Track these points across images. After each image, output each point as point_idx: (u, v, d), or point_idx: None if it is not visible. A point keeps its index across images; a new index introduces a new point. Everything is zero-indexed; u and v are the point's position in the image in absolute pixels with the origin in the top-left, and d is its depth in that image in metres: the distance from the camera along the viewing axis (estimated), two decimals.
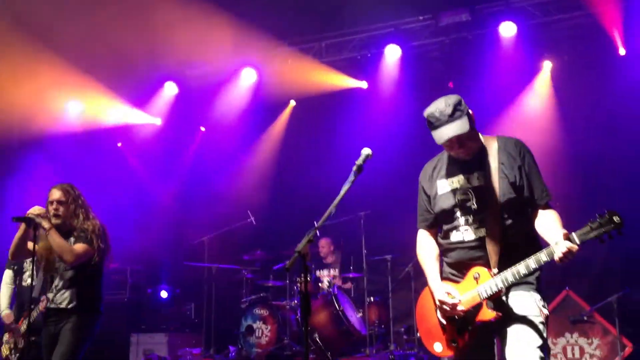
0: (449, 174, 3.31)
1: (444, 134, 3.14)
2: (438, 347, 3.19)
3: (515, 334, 2.99)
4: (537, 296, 3.07)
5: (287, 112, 9.27)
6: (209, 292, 7.89)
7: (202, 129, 9.42)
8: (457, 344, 3.10)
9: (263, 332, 7.00)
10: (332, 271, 7.47)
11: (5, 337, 5.78)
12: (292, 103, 9.24)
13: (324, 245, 7.84)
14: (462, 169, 3.26)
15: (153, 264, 8.53)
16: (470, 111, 3.21)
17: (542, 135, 7.25)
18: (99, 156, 9.54)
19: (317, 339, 6.85)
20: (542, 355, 2.95)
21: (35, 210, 4.56)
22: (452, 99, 3.20)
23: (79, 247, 4.54)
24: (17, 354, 5.45)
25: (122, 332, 7.59)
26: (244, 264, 7.84)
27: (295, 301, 7.24)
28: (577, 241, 2.85)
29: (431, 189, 3.38)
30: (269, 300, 7.30)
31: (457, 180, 3.27)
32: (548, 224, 3.08)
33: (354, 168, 3.60)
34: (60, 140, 9.42)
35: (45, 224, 4.51)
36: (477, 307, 3.05)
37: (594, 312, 6.39)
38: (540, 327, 2.99)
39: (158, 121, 9.58)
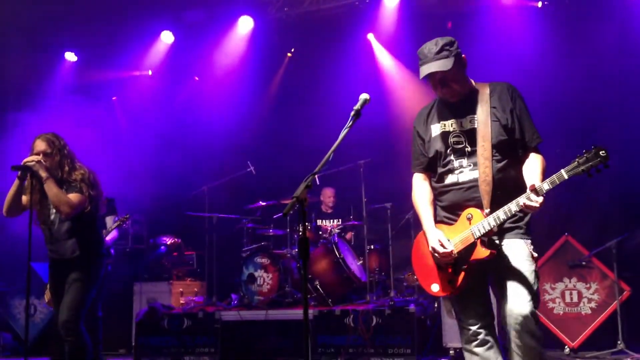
0: (443, 118, 3.41)
1: (424, 70, 3.27)
2: (435, 288, 3.34)
3: (512, 284, 3.12)
4: (528, 240, 3.22)
5: (285, 60, 9.13)
6: (210, 242, 7.93)
7: (196, 78, 9.29)
8: (454, 283, 3.23)
9: (264, 280, 7.06)
10: (335, 221, 7.48)
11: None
12: (291, 51, 9.10)
13: (330, 195, 7.82)
14: (455, 113, 3.36)
15: (154, 214, 8.55)
16: (462, 55, 3.30)
17: (541, 79, 7.15)
18: (94, 108, 9.48)
19: (318, 286, 6.92)
20: (533, 302, 3.11)
21: (31, 159, 4.52)
22: (444, 39, 3.29)
23: (74, 197, 4.52)
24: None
25: (125, 282, 7.66)
26: (245, 214, 7.87)
27: (296, 249, 7.28)
28: (544, 190, 2.97)
29: (425, 133, 3.48)
30: (270, 249, 7.35)
31: (451, 124, 3.37)
32: (529, 169, 3.20)
33: (352, 113, 3.64)
34: (55, 93, 9.37)
35: (43, 173, 4.48)
36: (472, 246, 3.18)
37: (593, 257, 6.43)
38: (532, 274, 3.14)
39: (152, 72, 9.48)
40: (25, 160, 4.52)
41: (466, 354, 3.40)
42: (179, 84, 9.45)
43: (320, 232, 7.34)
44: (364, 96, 3.45)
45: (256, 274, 7.11)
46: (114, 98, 9.66)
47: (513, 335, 3.11)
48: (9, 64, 9.00)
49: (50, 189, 4.47)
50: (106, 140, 9.32)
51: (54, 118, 8.81)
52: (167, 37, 9.09)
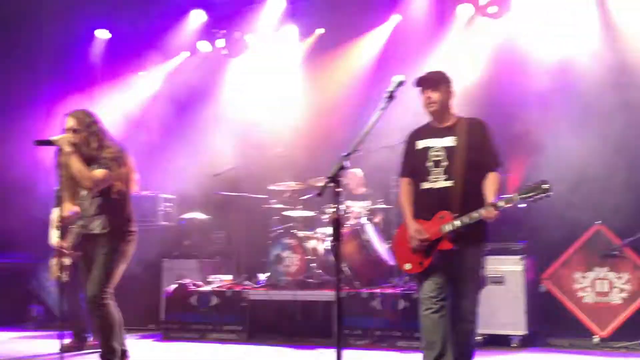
0: (429, 136, 4.21)
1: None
2: (408, 266, 4.21)
3: (461, 276, 4.08)
4: (483, 249, 4.18)
5: (314, 38, 9.08)
6: (238, 221, 7.96)
7: (224, 52, 9.27)
8: (423, 264, 4.11)
9: (292, 260, 7.08)
10: (363, 204, 7.44)
11: (53, 260, 5.99)
12: (320, 31, 9.04)
13: (358, 177, 7.79)
14: (439, 134, 4.17)
15: (183, 192, 8.60)
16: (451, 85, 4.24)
17: None
18: (124, 85, 9.57)
19: (345, 269, 6.91)
20: (475, 294, 4.13)
21: (59, 135, 4.59)
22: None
23: (98, 172, 4.57)
24: (66, 272, 5.65)
25: (154, 258, 7.74)
26: (273, 194, 7.88)
27: (324, 231, 7.28)
28: (498, 207, 3.90)
29: (414, 146, 4.26)
30: (298, 229, 7.35)
31: (434, 142, 4.16)
32: (488, 186, 4.05)
33: (385, 95, 3.72)
34: (86, 70, 9.46)
35: (66, 148, 4.52)
36: (440, 239, 4.04)
37: (625, 246, 6.33)
38: (479, 273, 4.13)
39: (182, 49, 9.51)
40: (52, 137, 4.59)
41: (422, 320, 4.15)
42: (209, 60, 9.44)
43: (348, 215, 7.30)
44: (397, 78, 3.79)
45: (283, 254, 7.13)
46: (140, 73, 9.69)
47: (456, 315, 4.11)
48: (41, 42, 9.11)
49: (73, 163, 4.52)
50: (136, 118, 9.42)
51: (86, 95, 8.94)
52: (197, 15, 9.09)
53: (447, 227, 3.99)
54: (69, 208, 5.02)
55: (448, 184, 4.04)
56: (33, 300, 8.61)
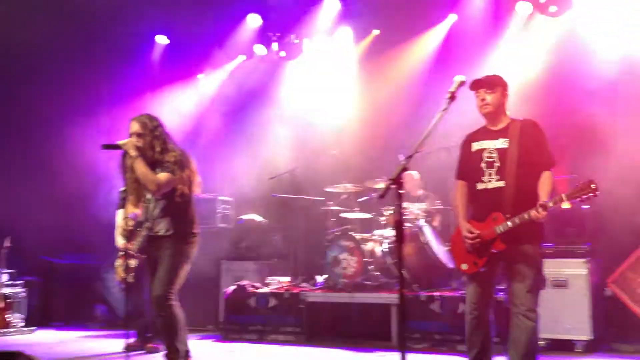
0: (483, 138, 4.29)
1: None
2: (464, 266, 4.28)
3: (517, 277, 4.10)
4: (537, 246, 4.14)
5: (369, 39, 9.06)
6: (295, 223, 8.00)
7: (281, 55, 9.34)
8: (477, 264, 4.19)
9: (349, 263, 7.06)
10: (421, 205, 7.37)
11: (119, 261, 6.16)
12: (376, 32, 9.02)
13: (409, 179, 7.72)
14: (492, 136, 4.25)
15: (241, 194, 8.70)
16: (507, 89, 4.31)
17: None
18: (184, 89, 9.75)
19: (403, 271, 6.85)
20: (533, 292, 4.09)
21: (124, 140, 4.71)
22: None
23: (162, 176, 4.67)
24: (132, 273, 5.81)
25: (213, 260, 7.85)
26: (329, 196, 7.89)
27: (381, 233, 7.24)
28: (547, 207, 3.91)
29: (469, 149, 4.35)
30: (355, 232, 7.34)
31: (488, 143, 4.25)
32: (541, 186, 4.09)
33: (447, 96, 3.72)
34: (147, 75, 9.67)
35: (132, 152, 4.64)
36: (493, 240, 4.10)
37: None
38: (535, 270, 4.09)
39: (238, 53, 9.63)
40: (119, 141, 4.72)
41: (466, 323, 4.33)
42: (265, 63, 9.53)
43: (406, 216, 7.24)
44: (459, 78, 3.86)
45: (341, 256, 7.12)
46: (198, 76, 9.87)
47: (514, 312, 4.13)
48: (102, 49, 9.37)
49: (138, 167, 4.64)
50: (194, 120, 9.60)
51: (146, 100, 9.15)
52: (253, 20, 9.22)
53: (499, 228, 4.05)
54: (131, 210, 5.16)
55: (500, 184, 4.12)
56: (98, 300, 8.86)
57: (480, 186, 4.22)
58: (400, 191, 3.33)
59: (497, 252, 4.11)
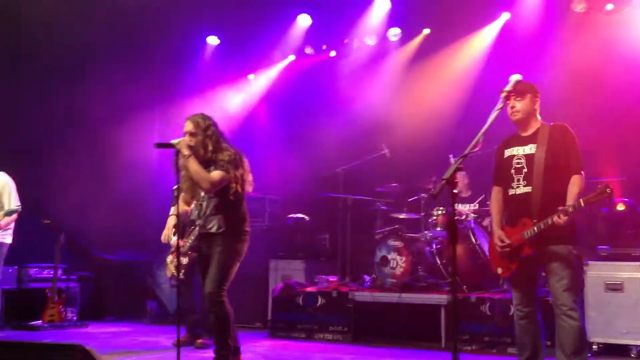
0: (514, 145, 4.36)
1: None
2: (499, 270, 4.41)
3: (552, 278, 4.14)
4: (570, 246, 4.13)
5: (420, 39, 9.01)
6: (343, 223, 8.01)
7: (333, 53, 9.36)
8: (510, 269, 4.29)
9: (397, 263, 7.04)
10: (469, 206, 7.29)
11: (170, 258, 6.28)
12: (426, 31, 8.96)
13: (463, 179, 7.64)
14: (522, 142, 4.32)
15: (290, 194, 8.76)
16: (537, 95, 4.33)
17: None
18: (235, 90, 9.87)
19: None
20: (571, 290, 4.09)
21: (178, 139, 4.81)
22: None
23: (215, 174, 4.74)
24: (183, 270, 5.92)
25: (261, 258, 7.92)
26: (378, 196, 7.87)
27: (431, 234, 7.19)
28: (568, 212, 3.94)
29: (502, 155, 4.42)
30: (403, 232, 7.31)
31: (517, 150, 4.32)
32: (570, 190, 4.11)
33: (502, 95, 3.70)
34: (195, 75, 9.82)
35: (185, 151, 4.73)
36: (522, 245, 4.18)
37: None
38: (570, 269, 4.10)
39: (288, 53, 9.69)
40: (172, 140, 4.81)
41: (515, 325, 4.38)
42: (315, 63, 9.57)
43: (456, 217, 7.17)
44: (515, 77, 3.94)
45: (389, 256, 7.10)
46: (249, 76, 9.97)
47: (557, 313, 4.15)
48: (154, 50, 9.55)
49: (191, 165, 4.72)
50: (244, 120, 9.70)
51: (198, 100, 9.29)
52: (303, 20, 9.26)
53: (527, 234, 4.12)
54: (183, 208, 5.25)
55: (527, 190, 4.18)
56: (149, 296, 9.04)
57: (510, 192, 4.31)
58: (454, 191, 3.32)
59: (527, 257, 4.18)
